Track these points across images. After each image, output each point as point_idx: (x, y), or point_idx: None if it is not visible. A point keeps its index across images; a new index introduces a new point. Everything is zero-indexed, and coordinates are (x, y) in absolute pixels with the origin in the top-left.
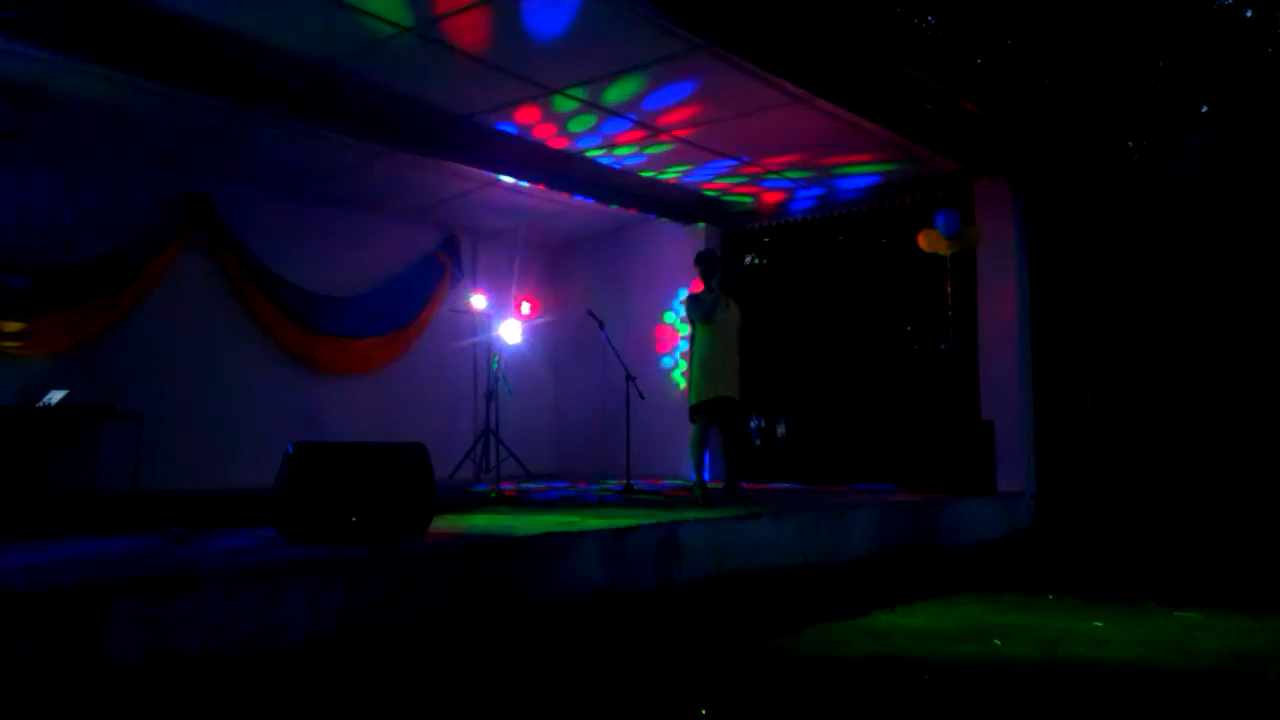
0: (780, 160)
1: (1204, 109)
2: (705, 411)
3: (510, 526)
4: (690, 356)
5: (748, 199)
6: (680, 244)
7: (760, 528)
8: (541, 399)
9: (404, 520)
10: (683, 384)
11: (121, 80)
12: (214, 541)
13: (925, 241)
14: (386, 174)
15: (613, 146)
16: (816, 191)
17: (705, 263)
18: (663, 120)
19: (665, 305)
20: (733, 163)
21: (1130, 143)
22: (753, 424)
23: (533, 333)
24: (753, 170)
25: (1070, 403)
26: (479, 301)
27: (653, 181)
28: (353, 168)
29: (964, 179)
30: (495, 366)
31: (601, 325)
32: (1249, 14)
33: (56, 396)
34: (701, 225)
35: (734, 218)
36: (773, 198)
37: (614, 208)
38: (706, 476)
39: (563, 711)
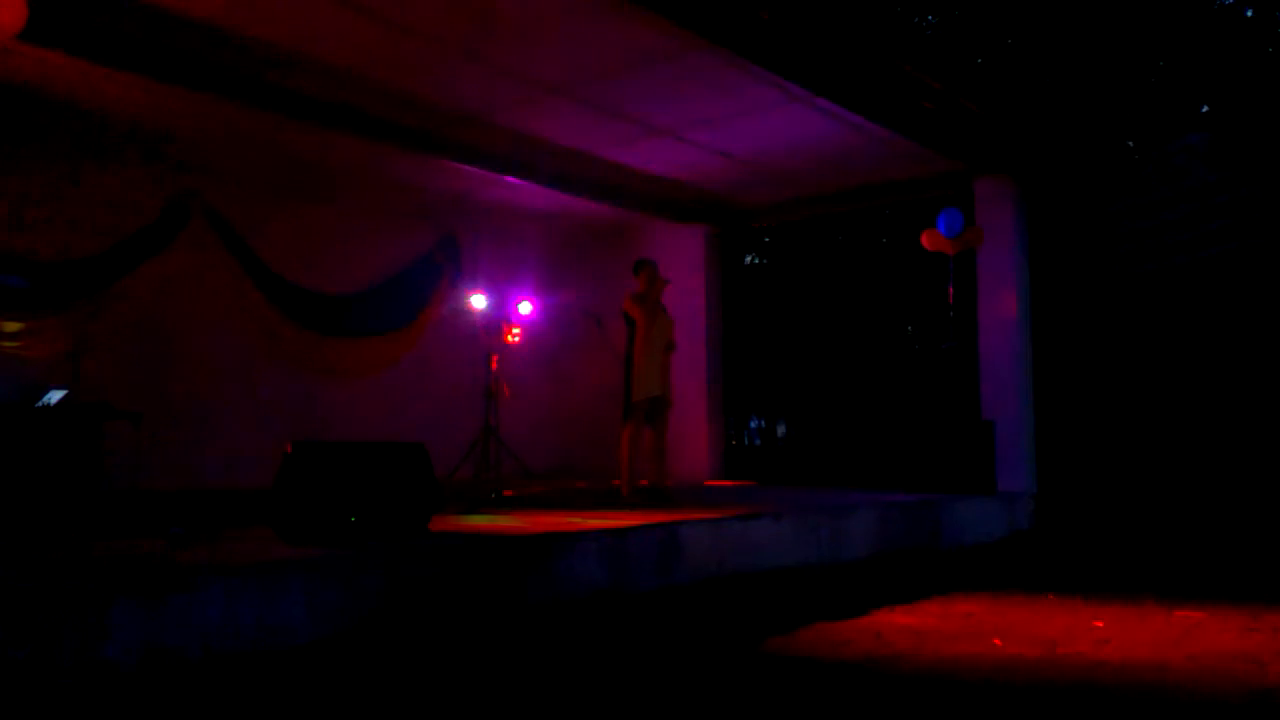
0: (780, 159)
1: (1204, 109)
2: (640, 409)
3: (510, 526)
4: (628, 355)
5: (748, 199)
6: (680, 244)
7: (761, 528)
8: (541, 399)
9: (404, 520)
10: None
11: (122, 79)
12: (214, 541)
13: (929, 241)
14: (386, 173)
15: (613, 146)
16: (816, 191)
17: (652, 270)
18: (662, 119)
19: None
20: (733, 162)
21: (1131, 142)
22: (753, 424)
23: (533, 333)
24: (752, 169)
25: (1071, 402)
26: (479, 301)
27: (652, 181)
28: (352, 167)
29: (965, 179)
30: (494, 367)
31: (601, 325)
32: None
33: (56, 396)
34: (702, 225)
35: (734, 217)
36: (773, 197)
37: (614, 207)
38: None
39: (563, 712)
